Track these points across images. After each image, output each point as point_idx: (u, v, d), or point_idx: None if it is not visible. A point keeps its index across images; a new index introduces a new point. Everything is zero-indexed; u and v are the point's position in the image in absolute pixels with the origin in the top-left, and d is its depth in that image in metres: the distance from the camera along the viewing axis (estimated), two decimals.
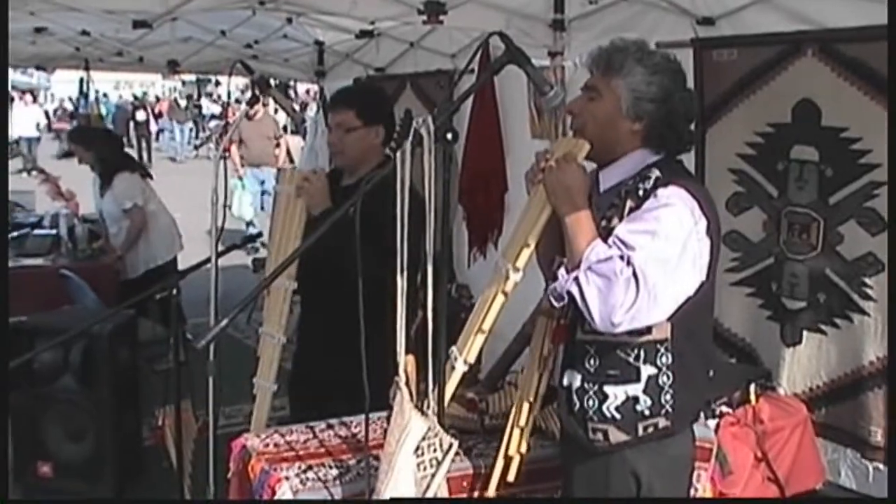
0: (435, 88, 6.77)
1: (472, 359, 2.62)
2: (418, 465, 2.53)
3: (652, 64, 2.59)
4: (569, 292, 2.46)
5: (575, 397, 2.67)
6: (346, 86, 5.11)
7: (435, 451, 2.54)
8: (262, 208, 12.27)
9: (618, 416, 2.59)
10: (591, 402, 2.63)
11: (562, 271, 2.52)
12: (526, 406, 2.91)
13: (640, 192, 2.54)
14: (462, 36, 6.18)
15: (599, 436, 2.63)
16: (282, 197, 3.68)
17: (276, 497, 2.93)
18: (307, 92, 22.71)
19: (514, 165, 5.85)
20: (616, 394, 2.59)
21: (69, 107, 31.71)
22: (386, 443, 2.59)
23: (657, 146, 2.63)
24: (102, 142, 7.67)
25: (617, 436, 2.61)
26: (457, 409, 3.30)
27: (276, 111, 14.10)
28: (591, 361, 2.63)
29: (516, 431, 2.92)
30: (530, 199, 2.67)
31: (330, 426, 3.37)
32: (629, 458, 2.62)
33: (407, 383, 2.60)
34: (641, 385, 2.57)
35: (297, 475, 2.99)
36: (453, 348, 2.64)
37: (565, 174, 2.56)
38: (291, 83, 12.07)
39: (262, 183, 12.34)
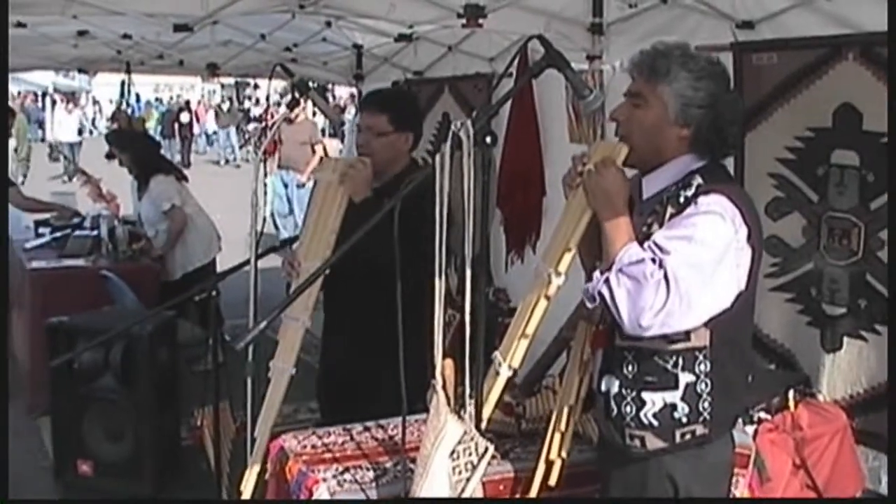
0: (473, 92, 6.78)
1: (516, 364, 2.61)
2: (453, 468, 2.53)
3: (697, 68, 2.55)
4: (600, 293, 2.45)
5: (612, 403, 2.66)
6: (379, 88, 5.13)
7: (470, 454, 2.54)
8: (291, 211, 12.30)
9: (655, 422, 2.58)
10: (628, 409, 2.62)
11: (596, 273, 2.51)
12: (566, 410, 2.90)
13: (681, 200, 2.51)
14: (500, 39, 6.19)
15: (637, 442, 2.62)
16: (321, 185, 3.67)
17: (313, 498, 2.94)
18: (351, 96, 22.79)
19: (551, 169, 5.85)
20: (654, 400, 2.58)
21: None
22: (421, 445, 2.59)
23: (703, 151, 2.59)
24: (139, 144, 7.76)
25: (654, 442, 2.59)
26: (494, 412, 3.30)
27: (314, 114, 14.13)
28: (629, 367, 2.62)
29: (557, 435, 2.91)
30: (569, 203, 2.65)
31: (367, 428, 3.38)
32: (666, 464, 2.60)
33: (444, 387, 2.60)
34: (679, 392, 2.55)
35: (335, 477, 3.00)
36: (496, 353, 2.64)
37: (605, 178, 2.54)
38: (330, 86, 12.09)
39: (286, 186, 12.38)
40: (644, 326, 2.38)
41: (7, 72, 2.37)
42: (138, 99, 33.13)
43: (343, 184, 3.57)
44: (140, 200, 7.48)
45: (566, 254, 2.56)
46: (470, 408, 2.59)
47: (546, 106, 5.84)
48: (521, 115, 5.92)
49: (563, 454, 2.92)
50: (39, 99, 32.34)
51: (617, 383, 2.65)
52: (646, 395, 2.59)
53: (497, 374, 2.61)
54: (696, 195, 2.48)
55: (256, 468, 3.37)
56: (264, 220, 3.87)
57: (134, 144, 7.63)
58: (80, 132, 22.94)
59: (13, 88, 27.56)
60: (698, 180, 2.53)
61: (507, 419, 3.38)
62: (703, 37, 4.40)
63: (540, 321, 2.60)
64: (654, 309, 2.35)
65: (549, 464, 2.93)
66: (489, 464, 2.57)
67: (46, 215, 7.98)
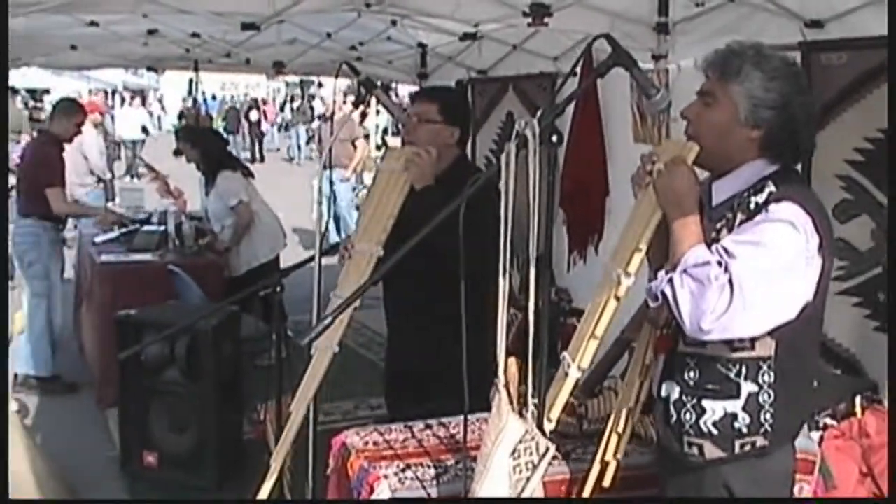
0: (537, 91, 6.77)
1: (585, 365, 2.59)
2: (514, 467, 2.52)
3: (770, 68, 2.49)
4: (662, 292, 2.42)
5: (672, 409, 2.63)
6: (434, 84, 5.12)
7: (531, 454, 2.53)
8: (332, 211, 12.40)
9: (715, 431, 2.55)
10: (688, 416, 2.59)
11: (661, 272, 2.48)
12: (625, 412, 2.88)
13: (752, 206, 2.47)
14: (564, 38, 6.17)
15: (695, 450, 2.59)
16: (384, 174, 3.68)
17: (373, 496, 2.96)
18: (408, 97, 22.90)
19: (615, 169, 5.83)
20: (714, 409, 2.55)
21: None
22: (483, 444, 2.59)
23: (775, 155, 2.54)
24: (208, 140, 7.86)
25: (712, 451, 2.56)
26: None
27: (362, 115, 14.18)
28: (691, 374, 2.59)
29: (614, 437, 2.89)
30: (638, 203, 2.62)
31: (428, 426, 3.39)
32: (723, 473, 2.58)
33: (506, 385, 2.60)
34: (741, 402, 2.52)
35: (396, 474, 3.02)
36: (565, 354, 2.62)
37: (674, 178, 2.50)
38: (394, 85, 12.14)
39: (332, 184, 12.48)
40: (705, 329, 2.34)
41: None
42: (214, 98, 33.76)
43: (407, 170, 3.59)
44: (207, 196, 7.59)
45: (636, 254, 2.52)
46: (532, 407, 2.58)
47: (610, 105, 5.81)
48: (585, 115, 5.90)
49: (619, 456, 2.90)
50: (109, 96, 32.88)
51: (677, 389, 2.62)
52: (706, 403, 2.56)
53: (566, 374, 2.60)
54: (767, 202, 2.44)
55: (289, 443, 3.39)
56: (328, 217, 3.89)
57: (202, 140, 7.75)
58: (145, 130, 23.16)
59: (84, 85, 27.99)
60: (771, 187, 2.48)
61: (569, 419, 3.37)
62: (771, 36, 4.33)
63: (609, 322, 2.58)
64: (717, 312, 2.31)
65: (605, 465, 2.91)
66: (550, 464, 2.56)
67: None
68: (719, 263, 2.35)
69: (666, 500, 2.81)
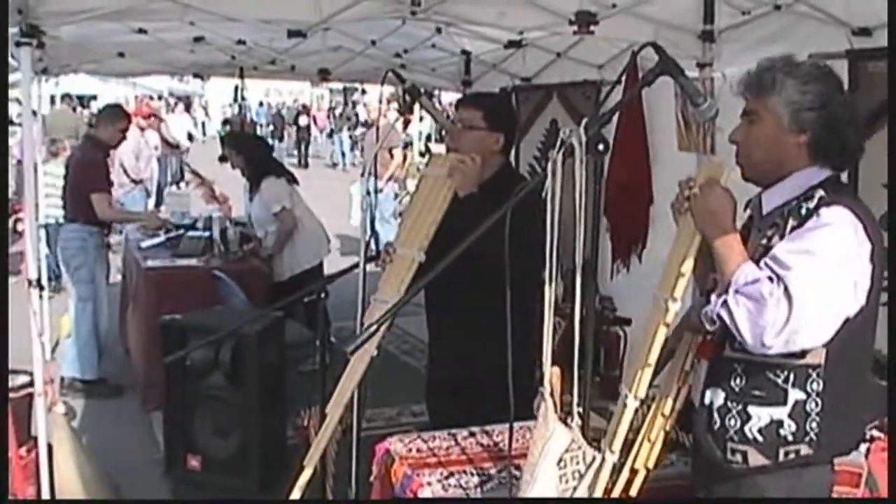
0: (581, 99, 6.76)
1: (642, 394, 2.59)
2: (560, 477, 2.52)
3: (802, 73, 2.54)
4: (719, 315, 2.43)
5: (716, 415, 2.62)
6: (478, 91, 5.10)
7: (577, 463, 2.54)
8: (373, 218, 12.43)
9: (760, 438, 2.54)
10: (732, 422, 2.58)
11: (713, 296, 2.50)
12: (660, 420, 2.85)
13: (803, 212, 2.48)
14: (609, 46, 6.16)
15: (738, 457, 2.58)
16: (428, 179, 3.70)
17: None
18: (450, 104, 22.92)
19: (659, 177, 5.80)
20: (760, 415, 2.54)
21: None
22: (529, 453, 2.59)
23: (823, 158, 2.56)
24: (252, 147, 7.93)
25: (756, 458, 2.55)
26: (598, 421, 3.28)
27: (405, 123, 14.21)
28: (738, 380, 2.58)
29: (646, 445, 2.86)
30: (679, 229, 2.66)
31: (472, 434, 3.39)
32: (760, 484, 2.56)
33: (552, 394, 2.59)
34: (787, 409, 2.51)
35: (439, 481, 3.02)
36: (622, 386, 2.64)
37: (709, 199, 2.54)
38: (437, 92, 12.15)
39: (369, 193, 12.50)
40: (768, 345, 2.36)
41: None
42: (262, 104, 34.04)
43: (451, 177, 3.59)
44: (251, 202, 7.65)
45: (680, 279, 2.55)
46: (577, 416, 2.58)
47: (655, 113, 5.78)
48: (629, 123, 5.87)
49: (650, 465, 2.87)
50: (155, 102, 33.19)
51: (722, 395, 2.61)
52: (752, 410, 2.55)
53: (625, 405, 2.60)
54: (818, 206, 2.46)
55: (322, 444, 3.39)
56: (372, 224, 3.91)
57: (247, 147, 7.81)
58: (190, 137, 23.31)
59: (130, 91, 28.27)
60: (821, 192, 2.50)
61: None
62: (818, 44, 4.29)
63: (662, 348, 2.59)
64: (777, 327, 2.33)
65: (633, 473, 2.88)
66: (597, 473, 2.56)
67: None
68: (770, 279, 2.37)
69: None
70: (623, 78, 3.08)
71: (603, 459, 2.57)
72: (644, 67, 2.82)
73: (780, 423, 2.51)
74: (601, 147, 2.47)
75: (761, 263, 2.43)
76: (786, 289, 2.33)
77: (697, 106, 2.67)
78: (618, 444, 2.60)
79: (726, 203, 2.53)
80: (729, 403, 2.59)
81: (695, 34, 5.01)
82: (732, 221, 2.53)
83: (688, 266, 2.56)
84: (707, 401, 2.66)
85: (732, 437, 2.58)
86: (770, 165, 2.60)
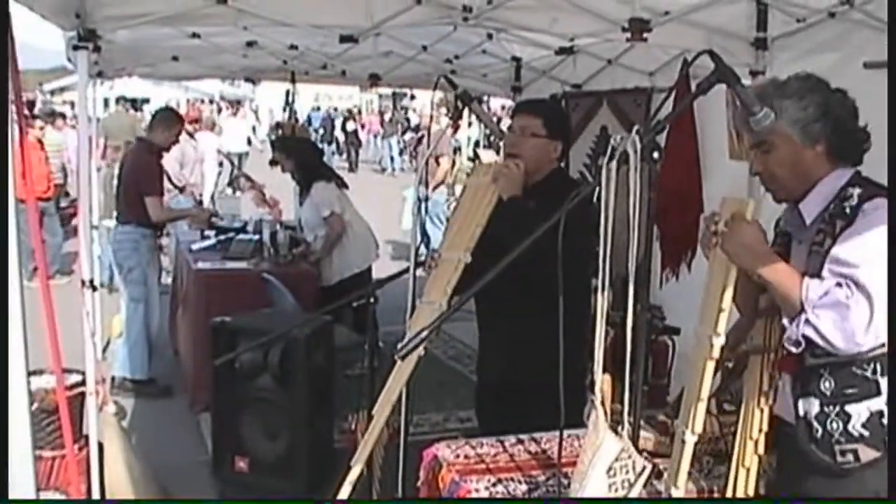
0: (632, 106, 6.72)
1: (698, 429, 2.57)
2: (610, 485, 2.51)
3: (794, 91, 2.67)
4: (804, 336, 2.46)
5: (816, 424, 2.63)
6: (533, 98, 5.10)
7: (627, 472, 2.52)
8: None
9: (866, 433, 2.55)
10: (834, 426, 2.59)
11: (786, 322, 2.52)
12: (750, 446, 2.80)
13: (847, 210, 2.56)
14: (660, 53, 6.13)
15: (849, 457, 2.58)
16: (471, 188, 3.73)
17: None
18: (502, 108, 22.91)
19: (710, 186, 5.74)
20: (859, 412, 2.56)
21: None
22: (578, 461, 2.59)
23: (842, 157, 2.67)
24: (303, 151, 7.97)
25: (867, 453, 2.55)
26: (649, 431, 3.26)
27: (454, 128, 14.25)
28: (827, 384, 2.60)
29: (742, 473, 2.81)
30: (712, 265, 2.69)
31: (520, 441, 3.38)
32: (866, 478, 2.56)
33: (602, 403, 2.58)
34: (884, 397, 2.53)
35: (487, 488, 3.01)
36: (678, 423, 2.63)
37: (739, 234, 2.56)
38: (486, 98, 12.15)
39: (419, 199, 12.53)
40: (861, 344, 2.42)
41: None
42: (318, 109, 34.35)
43: (496, 181, 3.61)
44: (301, 206, 7.69)
45: (721, 314, 2.56)
46: (627, 425, 2.57)
47: (706, 121, 5.74)
48: (680, 130, 5.83)
49: (751, 492, 2.81)
50: (206, 106, 33.51)
51: (816, 403, 2.63)
52: (850, 408, 2.57)
53: (683, 442, 2.59)
54: (860, 203, 2.55)
55: (371, 444, 3.40)
56: (423, 229, 3.92)
57: (298, 151, 7.86)
58: (249, 142, 23.54)
59: (182, 95, 28.55)
60: (857, 190, 2.59)
61: (662, 438, 3.33)
62: (873, 52, 4.22)
63: (711, 382, 2.60)
64: (864, 325, 2.39)
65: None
66: (644, 484, 2.54)
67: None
68: (839, 284, 2.43)
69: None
70: (675, 86, 3.06)
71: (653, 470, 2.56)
72: (696, 75, 2.80)
73: (880, 413, 2.54)
74: (655, 155, 2.47)
75: (824, 271, 2.48)
76: (858, 286, 2.40)
77: (754, 115, 2.65)
78: (682, 480, 2.59)
79: (757, 233, 2.58)
80: (825, 408, 2.61)
81: (747, 41, 4.96)
82: (767, 246, 2.61)
83: (727, 300, 2.57)
84: (801, 412, 2.67)
85: (839, 440, 2.59)
86: (797, 182, 2.70)
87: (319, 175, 7.57)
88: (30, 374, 2.03)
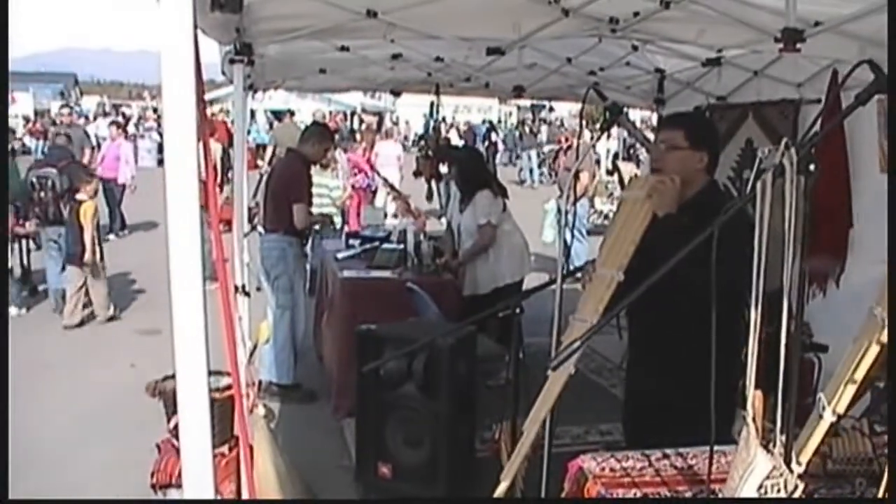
0: (779, 118, 6.59)
1: (841, 409, 2.49)
2: None
3: None
4: None
5: None
6: (678, 111, 5.08)
7: (779, 491, 2.48)
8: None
9: None
10: None
11: None
12: None
13: None
14: (808, 64, 5.99)
15: None
16: (627, 203, 3.72)
17: None
18: (642, 120, 22.70)
19: (860, 200, 5.60)
20: None
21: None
22: (728, 477, 2.56)
23: None
24: (468, 159, 8.08)
25: None
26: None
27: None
28: None
29: None
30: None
31: (665, 455, 3.35)
32: None
33: (754, 419, 2.56)
34: None
35: (633, 502, 3.01)
36: (821, 396, 2.55)
37: None
38: (626, 110, 12.10)
39: (560, 212, 12.52)
40: None
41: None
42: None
43: (650, 198, 3.60)
44: (461, 213, 7.76)
45: None
46: (779, 443, 2.53)
47: (856, 134, 5.59)
48: (829, 143, 5.69)
49: None
50: (347, 118, 34.10)
51: None
52: None
53: (820, 417, 2.53)
54: None
55: (519, 460, 3.42)
56: (566, 242, 3.94)
57: (462, 159, 7.96)
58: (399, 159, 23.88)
59: (324, 107, 29.10)
60: None
61: (813, 458, 3.26)
62: None
63: (870, 367, 2.49)
64: None
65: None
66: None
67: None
68: None
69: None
70: (823, 97, 3.01)
71: (790, 471, 2.49)
72: (847, 86, 2.74)
73: None
74: (812, 167, 2.43)
75: None
76: None
77: None
78: (806, 456, 2.50)
79: None
80: None
81: None
82: None
83: None
84: None
85: None
86: None
87: (484, 183, 7.67)
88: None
